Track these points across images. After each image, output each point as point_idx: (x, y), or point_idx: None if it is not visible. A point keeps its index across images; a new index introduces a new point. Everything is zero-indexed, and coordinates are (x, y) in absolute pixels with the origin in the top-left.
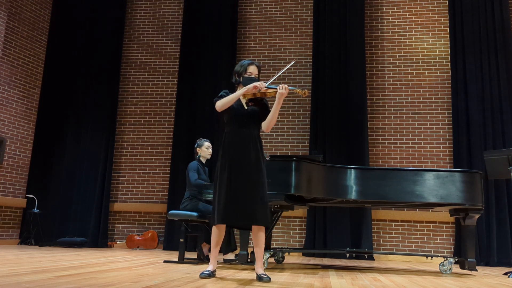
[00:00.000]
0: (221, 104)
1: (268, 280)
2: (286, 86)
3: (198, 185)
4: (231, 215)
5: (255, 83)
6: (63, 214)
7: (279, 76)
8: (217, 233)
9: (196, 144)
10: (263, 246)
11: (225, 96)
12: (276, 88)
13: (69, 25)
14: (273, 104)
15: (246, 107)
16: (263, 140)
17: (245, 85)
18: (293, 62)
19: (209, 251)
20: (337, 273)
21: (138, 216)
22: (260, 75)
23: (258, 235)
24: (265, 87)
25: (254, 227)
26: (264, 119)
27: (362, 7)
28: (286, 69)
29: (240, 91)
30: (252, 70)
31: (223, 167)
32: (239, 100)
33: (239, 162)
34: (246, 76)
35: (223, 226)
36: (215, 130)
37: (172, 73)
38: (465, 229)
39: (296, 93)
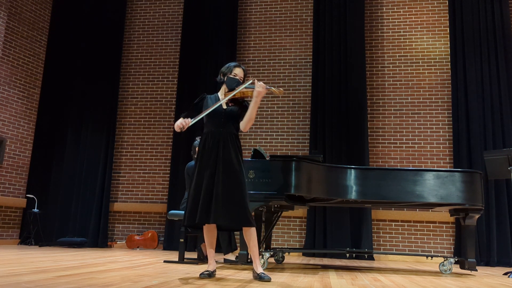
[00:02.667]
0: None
1: (269, 279)
2: (263, 84)
3: None
4: (208, 216)
5: (177, 122)
6: (63, 214)
7: (234, 94)
8: (208, 233)
9: (195, 142)
10: (256, 244)
11: (198, 105)
12: (253, 88)
13: (69, 25)
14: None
15: (225, 107)
16: (263, 140)
17: (228, 84)
18: (250, 81)
19: None
20: (337, 273)
21: (138, 216)
22: (259, 78)
23: (248, 234)
24: (244, 88)
25: (244, 228)
26: (242, 119)
27: (362, 7)
28: (242, 88)
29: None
30: (237, 72)
31: (201, 168)
32: (218, 100)
33: (215, 163)
34: (231, 76)
35: (213, 226)
36: None
37: (172, 73)
38: (465, 229)
39: (272, 92)
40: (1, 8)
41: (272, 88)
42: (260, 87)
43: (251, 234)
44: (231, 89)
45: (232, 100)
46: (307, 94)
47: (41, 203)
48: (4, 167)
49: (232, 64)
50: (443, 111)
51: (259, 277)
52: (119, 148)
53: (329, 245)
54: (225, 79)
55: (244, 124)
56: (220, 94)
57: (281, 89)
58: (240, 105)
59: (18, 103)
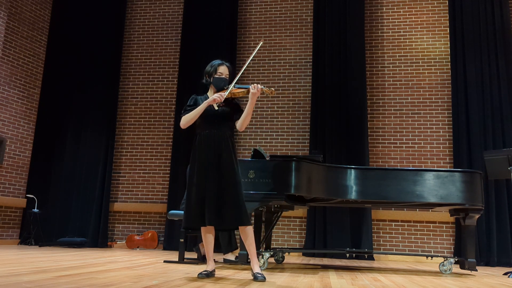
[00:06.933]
0: (185, 121)
1: (263, 279)
2: (258, 86)
3: None
4: (204, 217)
5: (214, 96)
6: (63, 214)
7: (248, 64)
8: (206, 233)
9: None
10: (253, 242)
11: (191, 107)
12: (246, 88)
13: (69, 25)
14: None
15: (217, 108)
16: (263, 141)
17: (215, 85)
18: (261, 43)
19: None
20: (337, 273)
21: (138, 216)
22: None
23: (244, 233)
24: (234, 88)
25: (240, 227)
26: (235, 119)
27: (362, 7)
28: (254, 54)
29: (202, 106)
30: (222, 70)
31: (196, 170)
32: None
33: (212, 164)
34: (216, 76)
35: (211, 227)
36: None
37: (172, 73)
38: (465, 229)
39: (263, 92)
40: (1, 8)
41: (264, 88)
42: (255, 88)
43: (247, 233)
44: (219, 89)
45: (223, 100)
46: (307, 94)
47: (41, 203)
48: (4, 167)
49: (216, 62)
50: (443, 111)
51: (254, 277)
52: (119, 148)
53: (329, 245)
54: (211, 79)
55: (241, 124)
56: (210, 94)
57: (272, 89)
58: (231, 104)
59: (18, 103)
